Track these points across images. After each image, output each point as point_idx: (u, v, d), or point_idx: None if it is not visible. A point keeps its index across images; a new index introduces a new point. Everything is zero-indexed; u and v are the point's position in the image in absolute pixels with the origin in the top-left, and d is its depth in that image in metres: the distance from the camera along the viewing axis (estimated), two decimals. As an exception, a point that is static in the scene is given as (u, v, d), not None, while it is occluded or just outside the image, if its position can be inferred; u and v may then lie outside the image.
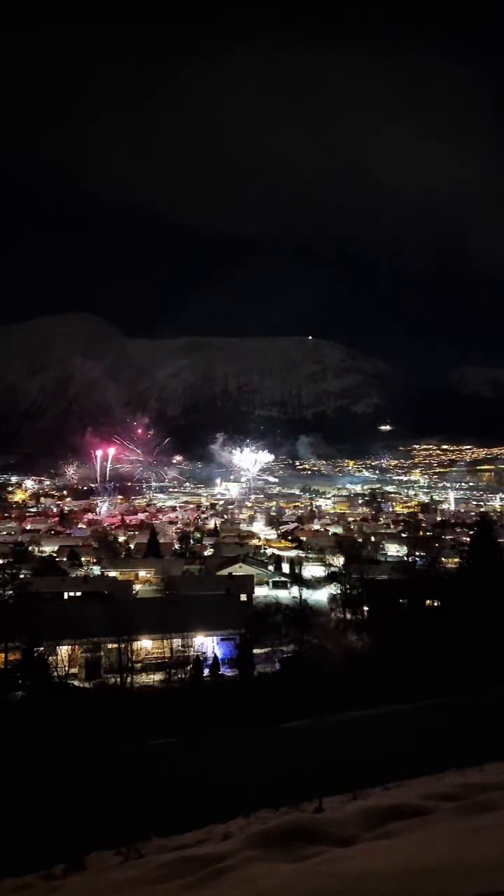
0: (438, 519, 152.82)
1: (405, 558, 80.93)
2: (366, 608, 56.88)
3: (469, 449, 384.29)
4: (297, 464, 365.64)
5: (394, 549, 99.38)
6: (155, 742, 18.52)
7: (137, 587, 73.04)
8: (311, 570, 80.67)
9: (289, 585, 74.78)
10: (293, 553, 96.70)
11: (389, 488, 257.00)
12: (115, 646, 40.88)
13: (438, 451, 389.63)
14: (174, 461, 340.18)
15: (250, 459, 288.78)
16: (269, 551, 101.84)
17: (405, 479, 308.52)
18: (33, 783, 15.24)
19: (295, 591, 67.98)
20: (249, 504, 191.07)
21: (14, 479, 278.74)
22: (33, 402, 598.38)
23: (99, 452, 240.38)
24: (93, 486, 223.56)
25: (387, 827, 5.38)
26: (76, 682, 41.00)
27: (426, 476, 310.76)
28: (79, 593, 62.76)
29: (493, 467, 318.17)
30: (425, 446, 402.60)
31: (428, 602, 50.79)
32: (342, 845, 4.99)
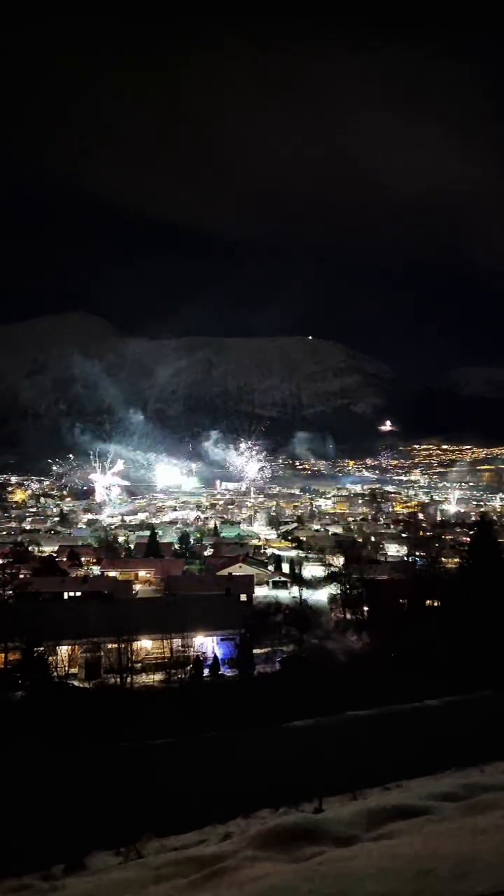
0: (438, 519, 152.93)
1: (405, 558, 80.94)
2: (366, 608, 56.84)
3: (469, 449, 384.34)
4: (297, 464, 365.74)
5: (394, 549, 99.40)
6: (155, 742, 18.50)
7: (137, 587, 73.03)
8: (311, 570, 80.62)
9: (289, 585, 74.75)
10: (293, 553, 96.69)
11: (389, 488, 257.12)
12: (115, 646, 40.85)
13: (438, 451, 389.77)
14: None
15: (251, 463, 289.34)
16: (269, 551, 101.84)
17: (405, 479, 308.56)
18: (33, 783, 15.23)
19: (295, 591, 67.94)
20: (249, 504, 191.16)
21: (14, 479, 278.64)
22: (33, 402, 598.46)
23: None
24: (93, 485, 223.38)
25: (387, 827, 5.38)
26: (76, 682, 40.96)
27: (426, 476, 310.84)
28: (79, 593, 62.73)
29: (493, 467, 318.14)
30: (425, 446, 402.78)
31: (428, 602, 50.77)
32: (342, 845, 4.99)
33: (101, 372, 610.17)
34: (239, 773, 14.31)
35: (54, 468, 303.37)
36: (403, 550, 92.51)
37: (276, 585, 76.24)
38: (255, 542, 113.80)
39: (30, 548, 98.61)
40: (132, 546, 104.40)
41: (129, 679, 39.56)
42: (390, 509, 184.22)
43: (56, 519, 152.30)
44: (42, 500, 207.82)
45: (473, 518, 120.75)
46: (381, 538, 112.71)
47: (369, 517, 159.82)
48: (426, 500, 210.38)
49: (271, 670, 42.91)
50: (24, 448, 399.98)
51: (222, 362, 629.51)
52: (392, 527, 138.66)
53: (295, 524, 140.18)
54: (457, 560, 57.50)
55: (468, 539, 63.44)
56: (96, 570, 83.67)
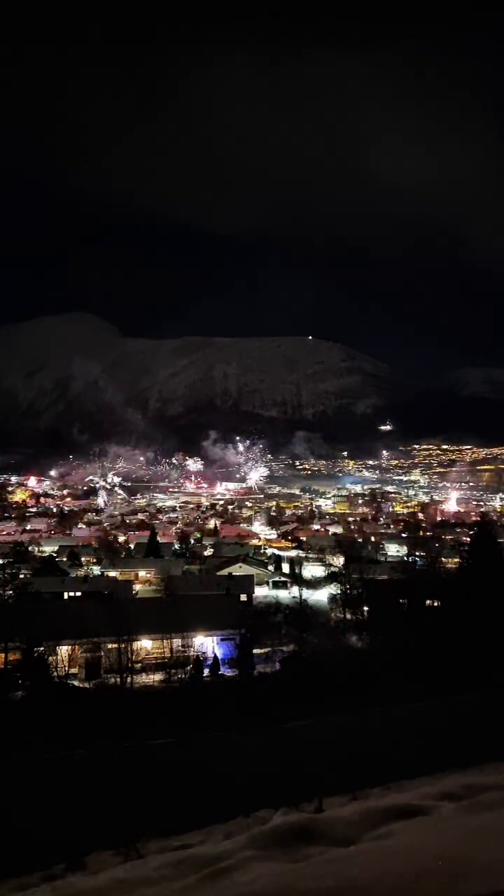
0: (438, 519, 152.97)
1: (405, 558, 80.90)
2: (366, 608, 56.82)
3: (469, 449, 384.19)
4: (297, 464, 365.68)
5: (394, 549, 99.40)
6: (155, 742, 18.49)
7: (137, 587, 73.00)
8: (311, 570, 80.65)
9: (289, 585, 74.74)
10: (293, 553, 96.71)
11: (389, 488, 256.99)
12: (115, 646, 40.84)
13: (438, 451, 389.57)
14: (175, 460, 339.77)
15: (250, 463, 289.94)
16: (269, 551, 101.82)
17: (405, 479, 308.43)
18: (34, 783, 15.23)
19: (295, 591, 67.95)
20: (249, 504, 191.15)
21: (14, 479, 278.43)
22: (33, 402, 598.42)
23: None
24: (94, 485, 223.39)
25: (387, 827, 5.38)
26: (76, 682, 40.97)
27: (426, 476, 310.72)
28: (79, 593, 62.72)
29: (493, 467, 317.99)
30: (425, 446, 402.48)
31: (428, 602, 50.74)
32: (342, 845, 4.99)
33: (101, 372, 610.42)
34: (239, 773, 14.30)
35: (54, 469, 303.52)
36: (403, 550, 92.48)
37: (276, 585, 76.22)
38: (255, 542, 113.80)
39: (30, 548, 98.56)
40: (132, 546, 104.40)
41: (129, 679, 39.54)
42: (390, 509, 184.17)
43: (56, 519, 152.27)
44: (42, 500, 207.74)
45: (473, 518, 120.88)
46: (381, 538, 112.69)
47: (369, 517, 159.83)
48: (426, 500, 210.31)
49: (271, 670, 42.89)
50: (24, 448, 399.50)
51: (222, 362, 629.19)
52: (392, 527, 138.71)
53: (295, 524, 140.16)
54: (457, 560, 57.47)
55: (468, 539, 63.43)
56: (96, 570, 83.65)
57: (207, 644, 48.39)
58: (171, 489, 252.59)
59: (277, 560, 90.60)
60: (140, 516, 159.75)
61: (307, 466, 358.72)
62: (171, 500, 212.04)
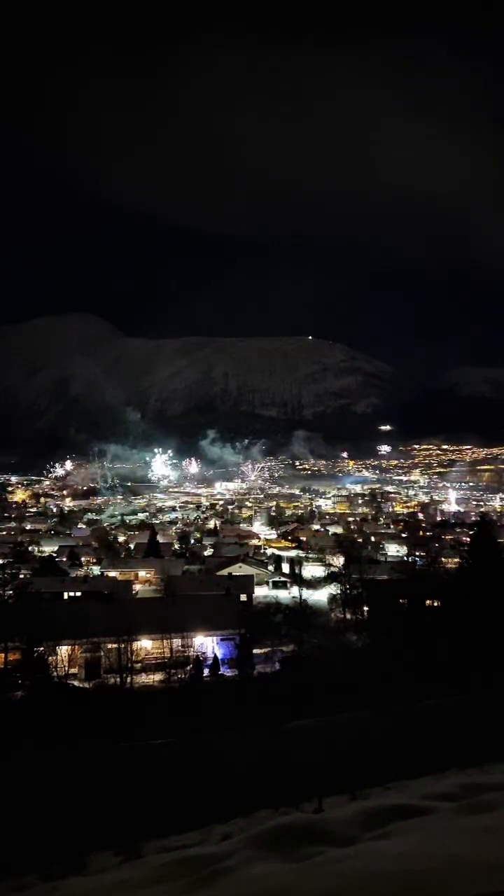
0: (438, 519, 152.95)
1: (405, 558, 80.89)
2: (366, 608, 56.80)
3: (469, 449, 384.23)
4: (297, 464, 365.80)
5: (394, 549, 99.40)
6: (155, 742, 18.49)
7: (137, 587, 73.01)
8: (311, 570, 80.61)
9: (289, 585, 74.70)
10: (293, 553, 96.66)
11: (389, 488, 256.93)
12: (115, 646, 40.82)
13: (438, 451, 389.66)
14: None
15: (250, 463, 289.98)
16: (269, 551, 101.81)
17: (405, 479, 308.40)
18: (33, 783, 15.22)
19: (295, 591, 67.87)
20: (249, 504, 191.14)
21: (14, 479, 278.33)
22: (33, 402, 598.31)
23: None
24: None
25: (387, 827, 5.38)
26: (76, 682, 40.95)
27: (426, 476, 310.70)
28: (79, 593, 62.72)
29: (493, 467, 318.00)
30: (425, 446, 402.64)
31: (428, 602, 50.72)
32: (342, 845, 4.99)
33: (101, 372, 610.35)
34: (239, 773, 14.30)
35: (53, 468, 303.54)
36: (403, 550, 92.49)
37: (276, 585, 76.19)
38: (255, 542, 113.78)
39: (30, 548, 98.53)
40: (132, 546, 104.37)
41: (129, 679, 39.52)
42: (390, 509, 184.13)
43: (56, 519, 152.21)
44: (42, 500, 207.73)
45: (473, 518, 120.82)
46: (381, 538, 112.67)
47: (369, 517, 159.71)
48: (426, 500, 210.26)
49: (271, 670, 42.87)
50: (24, 448, 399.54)
51: (222, 362, 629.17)
52: (392, 527, 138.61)
53: (295, 524, 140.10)
54: (457, 560, 57.46)
55: (468, 539, 63.40)
56: (96, 570, 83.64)
57: (207, 644, 48.37)
58: (171, 489, 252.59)
59: (277, 560, 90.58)
60: (140, 516, 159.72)
61: (307, 466, 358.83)
62: (171, 500, 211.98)
